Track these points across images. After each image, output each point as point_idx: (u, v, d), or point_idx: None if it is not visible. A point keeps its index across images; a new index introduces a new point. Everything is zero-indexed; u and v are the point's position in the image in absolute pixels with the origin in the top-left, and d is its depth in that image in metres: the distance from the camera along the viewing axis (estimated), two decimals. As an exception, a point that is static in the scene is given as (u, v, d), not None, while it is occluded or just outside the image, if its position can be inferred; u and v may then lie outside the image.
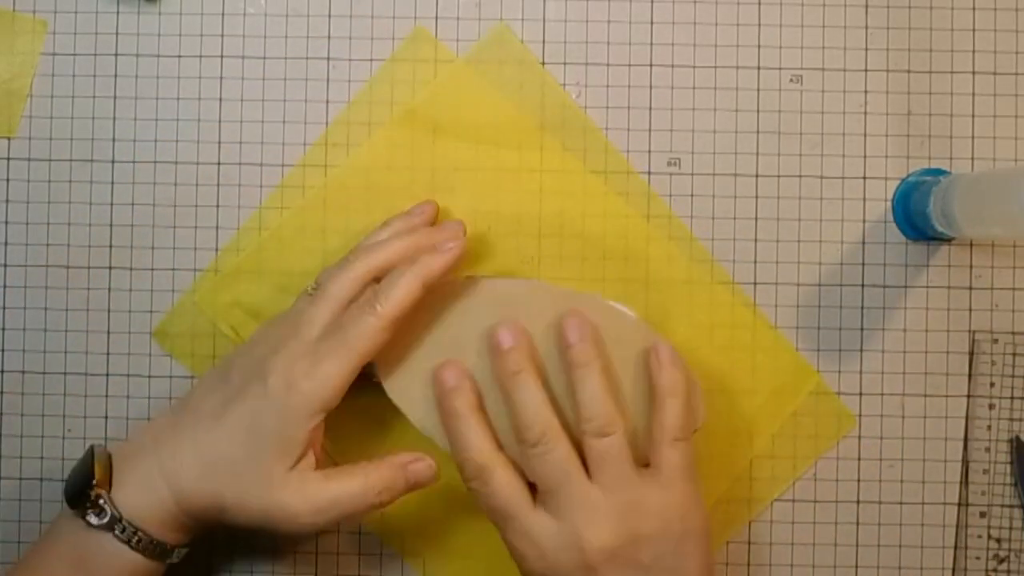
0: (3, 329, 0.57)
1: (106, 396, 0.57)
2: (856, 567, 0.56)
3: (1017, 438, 0.56)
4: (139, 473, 0.49)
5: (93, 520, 0.48)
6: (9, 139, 0.57)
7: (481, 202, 0.56)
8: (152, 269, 0.57)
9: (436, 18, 0.57)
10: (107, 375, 0.57)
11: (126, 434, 0.57)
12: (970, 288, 0.56)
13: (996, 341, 0.56)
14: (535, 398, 0.49)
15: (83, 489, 0.48)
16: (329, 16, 0.57)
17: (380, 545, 0.56)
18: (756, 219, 0.57)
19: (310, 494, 0.48)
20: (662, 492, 0.48)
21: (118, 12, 0.57)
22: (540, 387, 0.49)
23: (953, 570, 0.56)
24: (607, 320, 0.51)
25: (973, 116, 0.56)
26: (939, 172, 0.55)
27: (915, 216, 0.54)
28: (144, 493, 0.48)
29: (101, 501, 0.48)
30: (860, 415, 0.56)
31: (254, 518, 0.48)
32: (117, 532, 0.48)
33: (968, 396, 0.56)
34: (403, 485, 0.50)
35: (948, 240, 0.56)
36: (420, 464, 0.50)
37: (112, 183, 0.57)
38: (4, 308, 0.57)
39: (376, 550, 0.56)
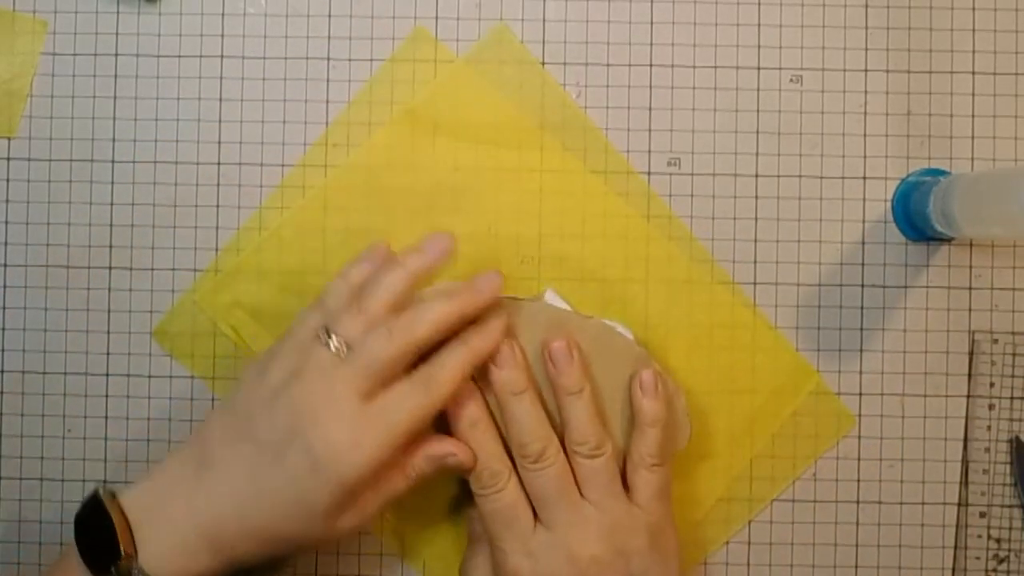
0: (3, 329, 0.57)
1: (106, 396, 0.57)
2: (856, 567, 0.56)
3: (1017, 438, 0.56)
4: (174, 538, 0.47)
5: None
6: (9, 139, 0.57)
7: (481, 202, 0.56)
8: (152, 269, 0.57)
9: (436, 18, 0.57)
10: (107, 375, 0.57)
11: (126, 434, 0.57)
12: (970, 288, 0.56)
13: (996, 341, 0.56)
14: (535, 416, 0.50)
15: (105, 555, 0.46)
16: (329, 16, 0.57)
17: (380, 545, 0.56)
18: (756, 219, 0.57)
19: (360, 523, 0.48)
20: (642, 511, 0.50)
21: (118, 12, 0.57)
22: (539, 405, 0.51)
23: (953, 570, 0.56)
24: (603, 340, 0.52)
25: (973, 116, 0.56)
26: (939, 172, 0.55)
27: (915, 216, 0.54)
28: (182, 557, 0.47)
29: (134, 573, 0.46)
30: (860, 415, 0.56)
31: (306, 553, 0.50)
32: None
33: (968, 396, 0.56)
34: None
35: (948, 240, 0.56)
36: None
37: (112, 183, 0.57)
38: (4, 308, 0.57)
39: (376, 550, 0.56)
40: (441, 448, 0.50)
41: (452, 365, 0.49)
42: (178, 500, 0.47)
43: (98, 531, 0.47)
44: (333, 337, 0.48)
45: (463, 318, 0.50)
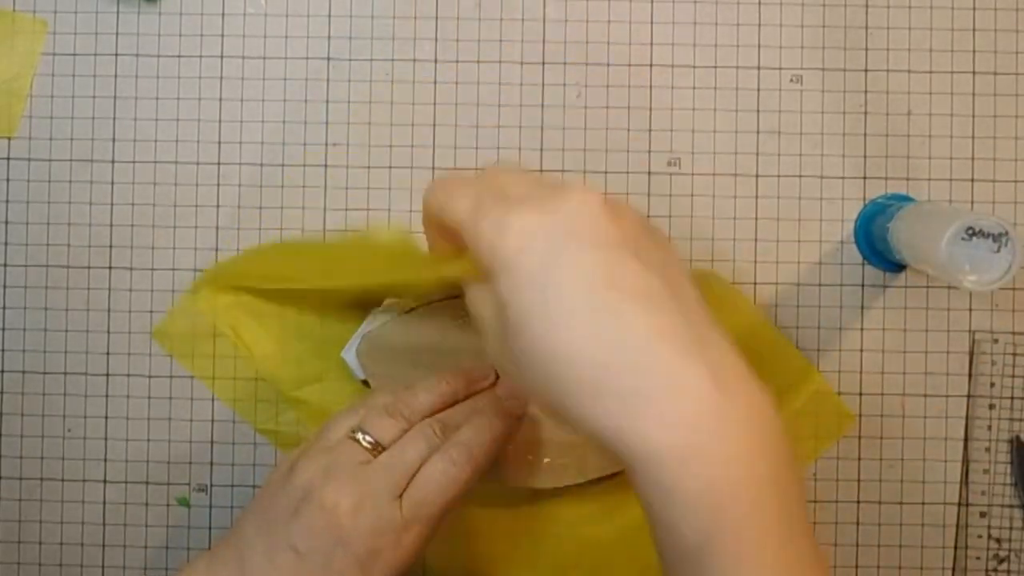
0: (3, 329, 0.57)
1: (106, 396, 0.57)
2: (856, 567, 0.56)
3: (1017, 438, 0.56)
4: None
5: None
6: (9, 139, 0.57)
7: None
8: (152, 269, 0.57)
9: (436, 18, 0.57)
10: (107, 375, 0.57)
11: (126, 434, 0.57)
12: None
13: (996, 341, 0.56)
14: None
15: None
16: (329, 16, 0.57)
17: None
18: (756, 219, 0.57)
19: None
20: None
21: (118, 12, 0.57)
22: None
23: (953, 570, 0.56)
24: None
25: (973, 116, 0.56)
26: (902, 198, 0.55)
27: (876, 241, 0.54)
28: None
29: None
30: (860, 415, 0.56)
31: None
32: None
33: (968, 396, 0.56)
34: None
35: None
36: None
37: (112, 183, 0.57)
38: (4, 308, 0.57)
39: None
40: None
41: (485, 445, 0.48)
42: None
43: None
44: (365, 436, 0.48)
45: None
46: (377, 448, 0.47)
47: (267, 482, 0.48)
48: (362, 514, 0.45)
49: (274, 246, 0.57)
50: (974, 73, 0.56)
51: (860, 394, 0.56)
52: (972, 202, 0.56)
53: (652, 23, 0.57)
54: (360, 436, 0.48)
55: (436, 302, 0.53)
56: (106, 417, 0.57)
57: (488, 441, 0.48)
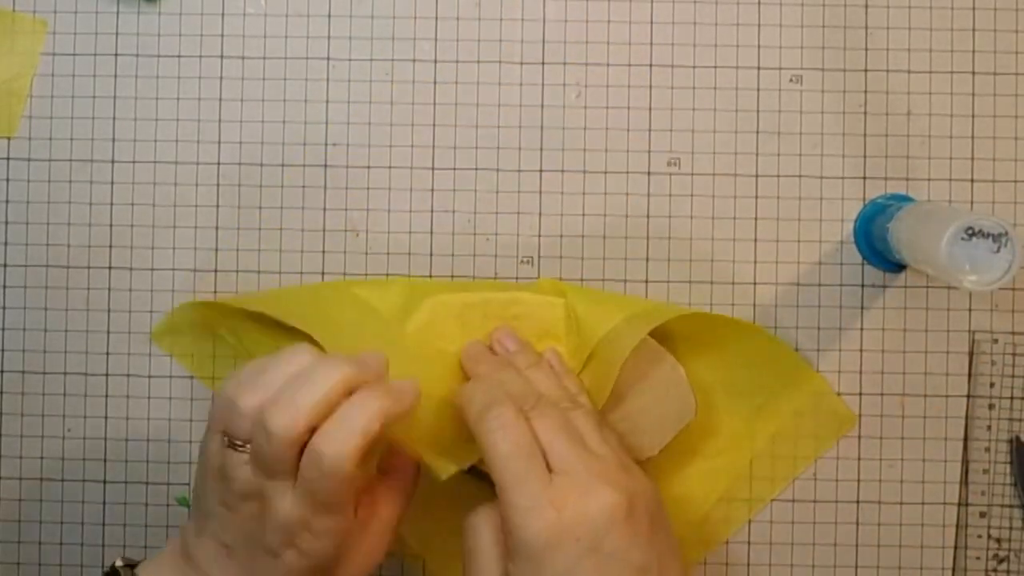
0: (3, 329, 0.57)
1: (106, 396, 0.57)
2: (856, 567, 0.56)
3: (1017, 438, 0.56)
4: None
5: None
6: (9, 139, 0.57)
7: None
8: (152, 269, 0.57)
9: (436, 18, 0.57)
10: (107, 375, 0.57)
11: (126, 434, 0.57)
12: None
13: (996, 341, 0.56)
14: (521, 378, 0.50)
15: None
16: (329, 16, 0.57)
17: (380, 545, 0.56)
18: (756, 219, 0.57)
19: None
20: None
21: (118, 12, 0.57)
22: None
23: (953, 570, 0.56)
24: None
25: (973, 116, 0.56)
26: (902, 199, 0.55)
27: (876, 241, 0.54)
28: None
29: None
30: (860, 415, 0.56)
31: None
32: None
33: (968, 396, 0.56)
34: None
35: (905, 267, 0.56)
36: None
37: (112, 183, 0.57)
38: (4, 308, 0.57)
39: None
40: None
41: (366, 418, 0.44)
42: None
43: None
44: (235, 440, 0.44)
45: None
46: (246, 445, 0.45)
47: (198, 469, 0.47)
48: (269, 523, 0.44)
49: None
50: (974, 73, 0.56)
51: (860, 394, 0.56)
52: (972, 202, 0.56)
53: (652, 23, 0.57)
54: (231, 441, 0.44)
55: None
56: (106, 417, 0.57)
57: (371, 416, 0.44)
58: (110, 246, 0.57)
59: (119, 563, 0.47)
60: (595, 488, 0.44)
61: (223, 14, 0.57)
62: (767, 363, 0.56)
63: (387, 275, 0.57)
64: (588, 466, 0.45)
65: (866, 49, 0.57)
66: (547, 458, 0.45)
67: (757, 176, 0.57)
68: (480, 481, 0.52)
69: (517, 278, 0.57)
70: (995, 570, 0.56)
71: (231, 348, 0.56)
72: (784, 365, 0.56)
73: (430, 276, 0.56)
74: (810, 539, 0.56)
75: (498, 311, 0.54)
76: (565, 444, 0.45)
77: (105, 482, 0.57)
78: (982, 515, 0.56)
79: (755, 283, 0.56)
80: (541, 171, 0.57)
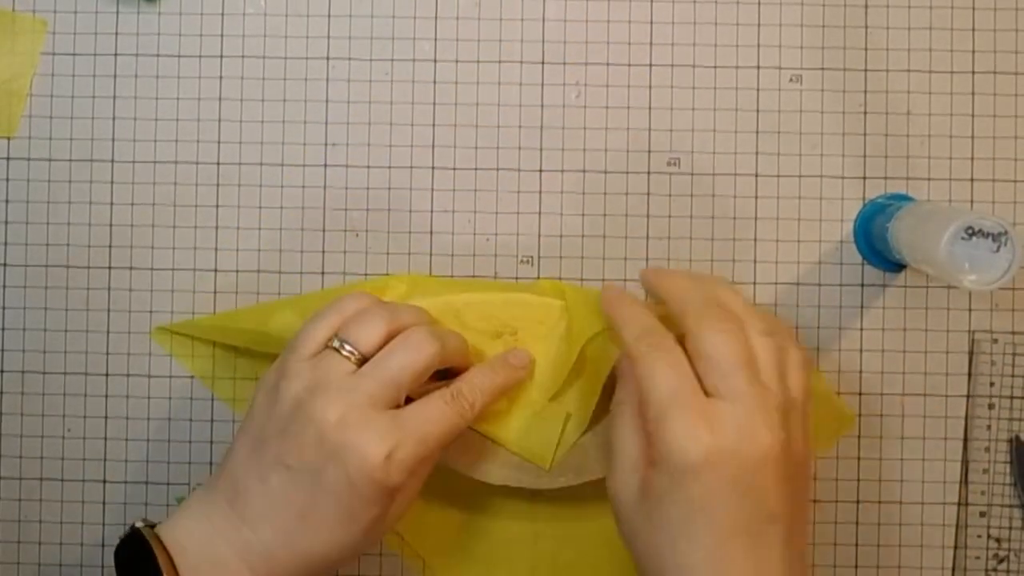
0: (3, 329, 0.57)
1: (106, 396, 0.57)
2: (856, 567, 0.56)
3: (1017, 438, 0.56)
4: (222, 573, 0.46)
5: None
6: (9, 139, 0.57)
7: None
8: (152, 269, 0.57)
9: (436, 18, 0.57)
10: (107, 375, 0.57)
11: (126, 434, 0.57)
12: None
13: (996, 341, 0.56)
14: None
15: None
16: (329, 16, 0.57)
17: (380, 545, 0.56)
18: (756, 219, 0.57)
19: (395, 523, 0.49)
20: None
21: (118, 12, 0.57)
22: None
23: (953, 570, 0.56)
24: None
25: (973, 116, 0.56)
26: (902, 198, 0.55)
27: (875, 240, 0.54)
28: None
29: None
30: (860, 415, 0.56)
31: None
32: None
33: (968, 396, 0.56)
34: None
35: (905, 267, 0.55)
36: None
37: (112, 183, 0.57)
38: (4, 308, 0.57)
39: (376, 550, 0.56)
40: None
41: (486, 388, 0.49)
42: (218, 538, 0.46)
43: (139, 567, 0.45)
44: (346, 346, 0.48)
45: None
46: (359, 357, 0.47)
47: (253, 405, 0.48)
48: (350, 427, 0.45)
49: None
50: (974, 73, 0.56)
51: (860, 394, 0.56)
52: (972, 202, 0.56)
53: (652, 23, 0.57)
54: (341, 346, 0.48)
55: None
56: (106, 417, 0.57)
57: (489, 387, 0.49)
58: (110, 246, 0.57)
59: (139, 524, 0.47)
60: (754, 428, 0.44)
61: (223, 14, 0.57)
62: None
63: (387, 274, 0.57)
64: (752, 399, 0.45)
65: (866, 49, 0.57)
66: (710, 376, 0.45)
67: (757, 176, 0.57)
68: (483, 489, 0.52)
69: (517, 278, 0.57)
70: (995, 570, 0.56)
71: (230, 347, 0.57)
72: None
73: (430, 275, 0.56)
74: (810, 539, 0.56)
75: (497, 311, 0.54)
76: (733, 365, 0.45)
77: (105, 482, 0.57)
78: (982, 515, 0.56)
79: (755, 283, 0.56)
80: (541, 171, 0.57)
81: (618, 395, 0.49)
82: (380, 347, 0.48)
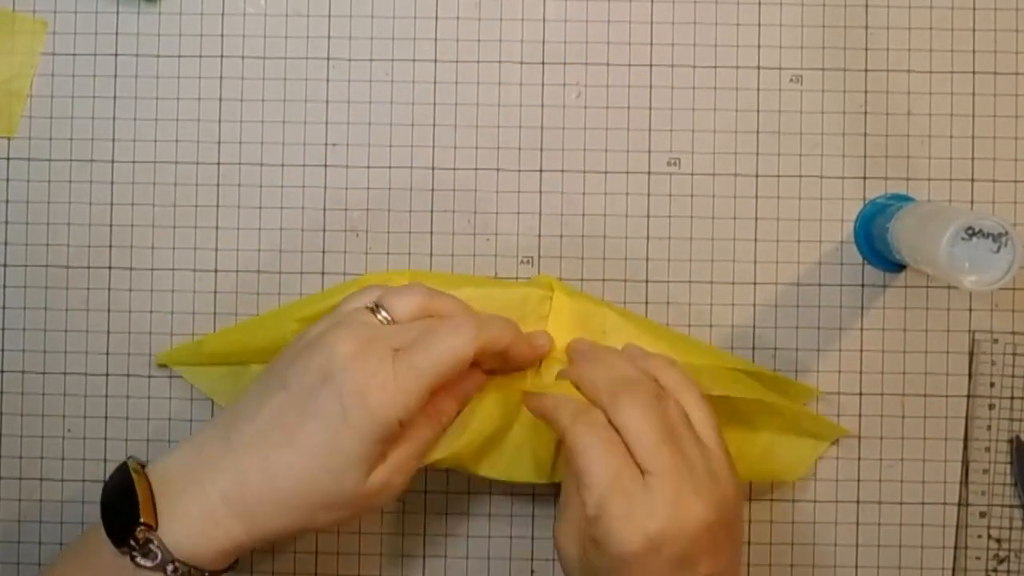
0: (3, 329, 0.57)
1: (106, 396, 0.57)
2: (856, 567, 0.56)
3: (1017, 438, 0.56)
4: (195, 506, 0.45)
5: (143, 562, 0.44)
6: (9, 139, 0.57)
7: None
8: (152, 269, 0.57)
9: (436, 18, 0.57)
10: (107, 375, 0.57)
11: (126, 434, 0.57)
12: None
13: (996, 341, 0.56)
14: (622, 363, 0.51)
15: (127, 526, 0.44)
16: (329, 16, 0.57)
17: (380, 545, 0.56)
18: (756, 219, 0.57)
19: (392, 483, 0.47)
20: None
21: (118, 12, 0.57)
22: None
23: (953, 570, 0.56)
24: None
25: (973, 116, 0.56)
26: (902, 198, 0.55)
27: (876, 241, 0.54)
28: (204, 527, 0.45)
29: (152, 545, 0.44)
30: (860, 415, 0.56)
31: (340, 523, 0.47)
32: (168, 572, 0.44)
33: (968, 396, 0.56)
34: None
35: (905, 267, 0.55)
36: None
37: (112, 183, 0.57)
38: (4, 308, 0.57)
39: (376, 550, 0.56)
40: (467, 385, 0.50)
41: (499, 324, 0.49)
42: (200, 468, 0.45)
43: (122, 502, 0.45)
44: (382, 311, 0.48)
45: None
46: (392, 323, 0.48)
47: (279, 354, 0.49)
48: (357, 359, 0.45)
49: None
50: (974, 73, 0.56)
51: (860, 394, 0.56)
52: (972, 202, 0.56)
53: (652, 23, 0.57)
54: (377, 309, 0.48)
55: None
56: (106, 417, 0.57)
57: (498, 331, 0.49)
58: (110, 246, 0.57)
59: (130, 461, 0.47)
60: (688, 502, 0.45)
61: (223, 14, 0.57)
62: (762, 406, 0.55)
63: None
64: (679, 471, 0.45)
65: (866, 49, 0.57)
66: (635, 453, 0.45)
67: (757, 176, 0.57)
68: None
69: (517, 278, 0.57)
70: (995, 570, 0.56)
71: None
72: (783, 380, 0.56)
73: (431, 270, 0.56)
74: (810, 539, 0.56)
75: (497, 307, 0.53)
76: (655, 440, 0.45)
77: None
78: (982, 515, 0.56)
79: (755, 283, 0.56)
80: (541, 171, 0.57)
81: (565, 465, 0.49)
82: (412, 319, 0.48)
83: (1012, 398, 0.56)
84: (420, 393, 0.46)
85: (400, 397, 0.45)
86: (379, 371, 0.45)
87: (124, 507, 0.45)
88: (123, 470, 0.46)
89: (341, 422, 0.45)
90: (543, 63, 0.57)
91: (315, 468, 0.45)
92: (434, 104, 0.57)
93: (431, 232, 0.57)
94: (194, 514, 0.45)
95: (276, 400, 0.46)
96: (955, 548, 0.56)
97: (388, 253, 0.57)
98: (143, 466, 0.47)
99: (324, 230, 0.57)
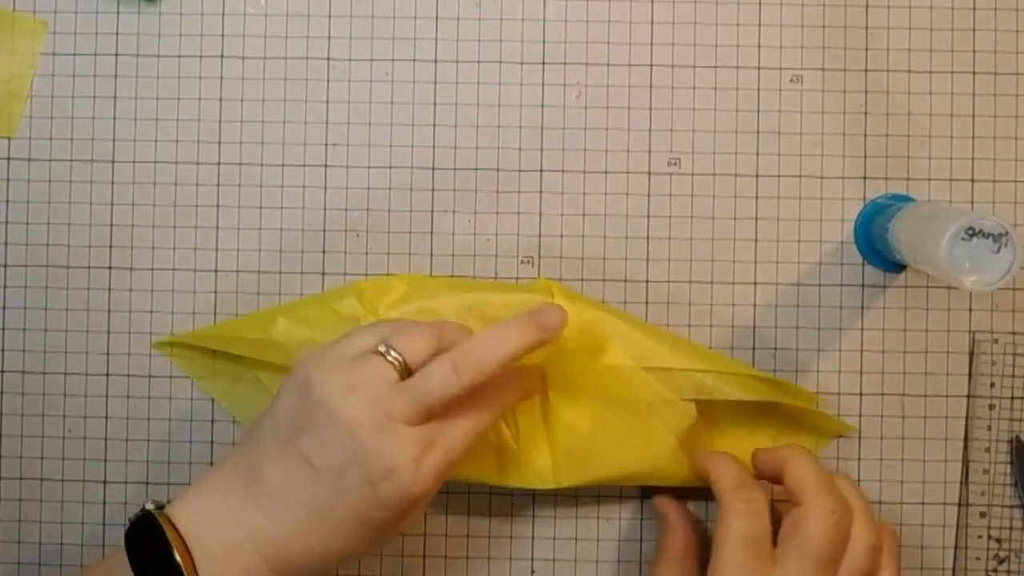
0: (3, 329, 0.57)
1: (106, 396, 0.57)
2: (856, 567, 0.56)
3: (1017, 438, 0.56)
4: (236, 560, 0.45)
5: None
6: (9, 139, 0.57)
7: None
8: (152, 269, 0.57)
9: (436, 18, 0.57)
10: (107, 375, 0.57)
11: (126, 434, 0.57)
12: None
13: (996, 341, 0.56)
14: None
15: None
16: (329, 16, 0.57)
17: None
18: (756, 219, 0.57)
19: (411, 526, 0.49)
20: None
21: (118, 12, 0.57)
22: None
23: (953, 570, 0.56)
24: None
25: (973, 116, 0.56)
26: (902, 199, 0.55)
27: (876, 240, 0.54)
28: None
29: None
30: (860, 415, 0.56)
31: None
32: None
33: (968, 396, 0.56)
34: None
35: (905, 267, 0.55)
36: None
37: (112, 183, 0.57)
38: (4, 308, 0.57)
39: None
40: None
41: (508, 385, 0.50)
42: (232, 522, 0.45)
43: (152, 551, 0.44)
44: (392, 352, 0.46)
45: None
46: (404, 368, 0.46)
47: (281, 394, 0.47)
48: (382, 439, 0.45)
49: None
50: (974, 73, 0.56)
51: (860, 394, 0.56)
52: (972, 202, 0.56)
53: (652, 23, 0.57)
54: (387, 351, 0.46)
55: None
56: (106, 417, 0.57)
57: (513, 394, 0.50)
58: (110, 246, 0.57)
59: (150, 506, 0.46)
60: None
61: (223, 14, 0.57)
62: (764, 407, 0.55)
63: (387, 274, 0.57)
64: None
65: (866, 49, 0.57)
66: (789, 545, 0.48)
67: (757, 176, 0.57)
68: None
69: (517, 278, 0.57)
70: (995, 570, 0.56)
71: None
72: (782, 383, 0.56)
73: (430, 275, 0.56)
74: (810, 539, 0.56)
75: (497, 312, 0.53)
76: (814, 555, 0.47)
77: (105, 482, 0.57)
78: (982, 515, 0.56)
79: (755, 283, 0.56)
80: (541, 171, 0.57)
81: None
82: (425, 360, 0.47)
83: (1012, 398, 0.56)
84: (450, 465, 0.47)
85: (429, 476, 0.46)
86: (405, 451, 0.45)
87: (156, 556, 0.44)
88: (146, 517, 0.46)
89: (373, 503, 0.45)
90: (543, 63, 0.57)
91: (351, 542, 0.46)
92: (434, 104, 0.57)
93: (431, 232, 0.57)
94: (232, 567, 0.45)
95: (303, 475, 0.45)
96: (955, 548, 0.56)
97: (388, 253, 0.57)
98: (162, 511, 0.46)
99: (324, 230, 0.57)
